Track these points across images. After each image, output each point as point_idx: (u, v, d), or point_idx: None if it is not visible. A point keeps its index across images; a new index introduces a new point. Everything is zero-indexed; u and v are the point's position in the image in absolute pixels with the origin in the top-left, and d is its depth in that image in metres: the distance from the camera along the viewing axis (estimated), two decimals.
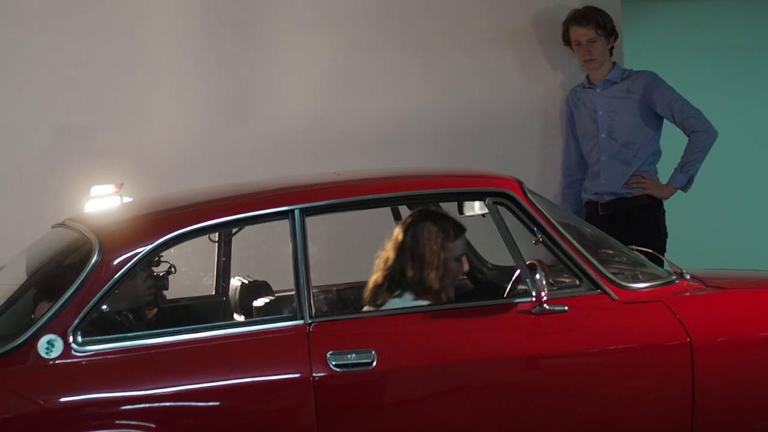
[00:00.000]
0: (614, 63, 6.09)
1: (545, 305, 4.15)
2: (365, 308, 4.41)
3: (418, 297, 4.34)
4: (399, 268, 4.37)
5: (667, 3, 7.61)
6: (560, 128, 6.28)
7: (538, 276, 4.14)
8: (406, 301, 4.33)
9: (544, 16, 6.30)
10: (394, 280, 4.37)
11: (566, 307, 4.18)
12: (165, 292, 4.51)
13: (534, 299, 4.16)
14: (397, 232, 4.42)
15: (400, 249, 4.39)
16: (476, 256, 5.07)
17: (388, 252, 4.41)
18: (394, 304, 4.32)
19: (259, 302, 4.44)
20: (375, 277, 4.41)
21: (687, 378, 4.15)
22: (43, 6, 5.70)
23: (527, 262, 4.21)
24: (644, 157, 5.98)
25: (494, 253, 4.84)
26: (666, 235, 6.01)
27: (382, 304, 4.33)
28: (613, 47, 6.09)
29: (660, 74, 6.05)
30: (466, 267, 4.48)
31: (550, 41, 6.27)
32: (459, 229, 4.44)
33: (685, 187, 5.96)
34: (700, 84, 7.16)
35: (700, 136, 5.88)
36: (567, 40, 6.11)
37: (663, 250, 5.81)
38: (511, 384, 4.16)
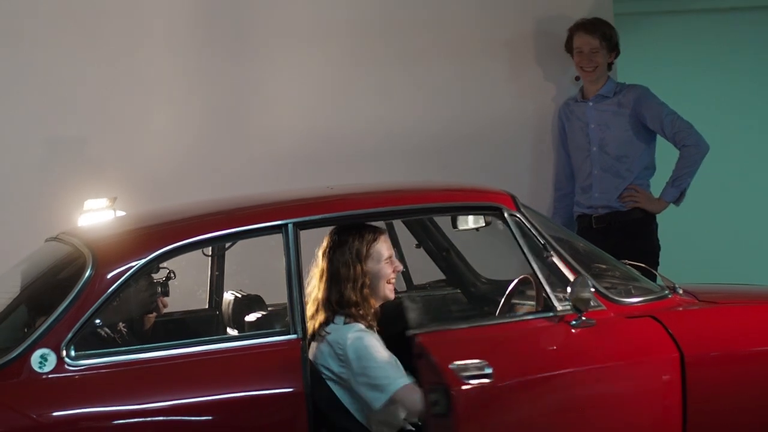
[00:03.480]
0: (609, 77, 6.10)
1: (583, 318, 4.14)
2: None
3: (350, 318, 4.24)
4: (325, 297, 4.27)
5: (659, 17, 7.64)
6: (551, 142, 6.30)
7: (586, 286, 4.11)
8: (339, 325, 4.23)
9: (535, 30, 6.31)
10: (327, 309, 4.28)
11: (594, 321, 4.17)
12: (166, 299, 4.50)
13: (572, 312, 4.14)
14: (319, 262, 4.34)
15: (322, 277, 4.30)
16: (470, 270, 5.08)
17: (312, 285, 4.31)
18: (334, 330, 4.21)
19: (252, 316, 4.44)
20: (309, 311, 4.27)
21: (678, 393, 4.14)
22: (37, 20, 5.70)
23: (521, 277, 4.22)
24: (637, 171, 5.99)
25: (488, 267, 4.85)
26: (659, 248, 6.01)
27: (322, 336, 4.23)
28: (612, 63, 6.11)
29: (652, 87, 6.05)
30: (399, 267, 4.41)
31: (541, 54, 6.29)
32: (374, 233, 4.37)
33: (677, 201, 5.97)
34: (691, 97, 7.18)
35: (691, 150, 5.89)
36: (570, 47, 6.11)
37: (656, 264, 5.82)
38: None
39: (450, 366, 3.86)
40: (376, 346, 4.19)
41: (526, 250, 4.25)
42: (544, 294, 4.19)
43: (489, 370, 3.88)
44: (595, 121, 6.05)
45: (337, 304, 4.26)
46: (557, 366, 4.11)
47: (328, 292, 4.27)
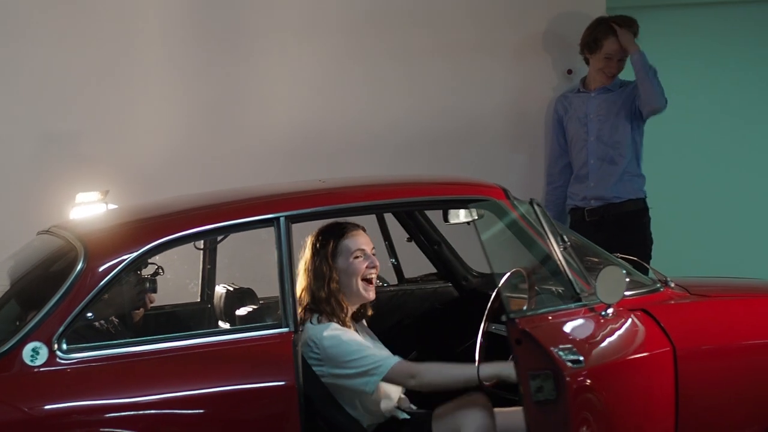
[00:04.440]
0: None
1: (610, 311, 4.11)
2: None
3: (322, 316, 4.27)
4: (300, 297, 4.31)
5: (652, 11, 7.64)
6: (541, 136, 6.31)
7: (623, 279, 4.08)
8: (314, 323, 4.25)
9: (528, 24, 6.33)
10: (302, 309, 4.30)
11: (615, 312, 4.15)
12: (154, 295, 4.49)
13: (601, 303, 4.11)
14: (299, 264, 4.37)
15: (300, 278, 4.35)
16: (461, 263, 5.08)
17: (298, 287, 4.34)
18: (308, 329, 4.24)
19: (244, 310, 4.44)
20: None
21: (670, 386, 4.14)
22: (29, 15, 5.70)
23: (513, 270, 4.21)
24: (629, 157, 6.03)
25: (480, 260, 4.84)
26: (651, 241, 6.03)
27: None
28: None
29: None
30: (375, 263, 4.36)
31: (533, 49, 6.31)
32: (342, 229, 4.36)
33: (638, 55, 5.97)
34: (685, 92, 7.18)
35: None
36: (595, 47, 6.12)
37: (648, 257, 5.83)
38: None
39: (553, 350, 3.85)
40: (354, 338, 4.21)
41: (550, 238, 4.21)
42: (567, 282, 4.14)
43: (581, 357, 3.87)
44: (595, 112, 6.09)
45: (311, 302, 4.30)
46: (612, 355, 4.09)
47: (303, 292, 4.31)
